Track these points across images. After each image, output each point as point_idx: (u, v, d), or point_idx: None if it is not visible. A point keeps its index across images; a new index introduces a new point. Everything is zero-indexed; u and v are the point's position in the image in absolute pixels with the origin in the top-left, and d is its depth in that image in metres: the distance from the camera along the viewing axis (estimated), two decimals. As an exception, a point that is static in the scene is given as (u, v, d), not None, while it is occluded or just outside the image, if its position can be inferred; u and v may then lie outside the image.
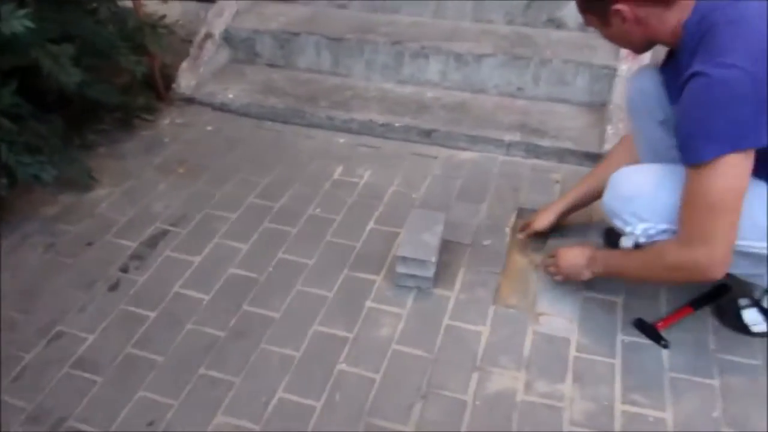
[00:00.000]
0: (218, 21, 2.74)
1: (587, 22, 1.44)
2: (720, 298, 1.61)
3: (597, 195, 1.71)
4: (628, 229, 1.44)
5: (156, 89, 2.58)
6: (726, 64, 1.17)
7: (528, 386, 1.47)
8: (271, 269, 1.79)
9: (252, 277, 1.76)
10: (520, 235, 1.86)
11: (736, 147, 1.19)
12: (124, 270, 1.80)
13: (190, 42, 2.71)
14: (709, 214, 1.25)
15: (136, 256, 1.85)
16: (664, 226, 1.38)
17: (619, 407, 1.41)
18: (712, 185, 1.23)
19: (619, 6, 1.31)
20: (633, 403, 1.42)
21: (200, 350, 1.56)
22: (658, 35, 1.35)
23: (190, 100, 2.58)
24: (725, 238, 1.27)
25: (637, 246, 1.54)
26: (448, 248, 1.77)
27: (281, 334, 1.60)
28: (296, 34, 2.66)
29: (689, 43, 1.28)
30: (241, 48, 2.76)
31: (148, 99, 2.51)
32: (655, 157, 1.57)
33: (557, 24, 2.58)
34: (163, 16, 2.48)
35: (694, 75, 1.21)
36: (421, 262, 1.66)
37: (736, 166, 1.21)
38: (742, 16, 1.21)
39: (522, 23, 2.63)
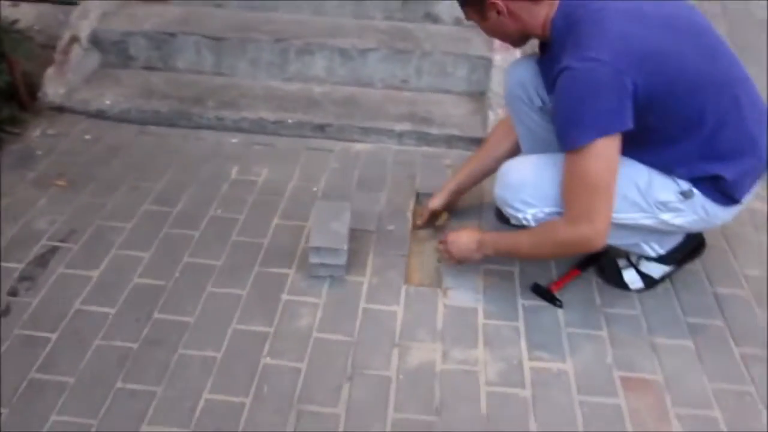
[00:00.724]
0: (83, 23, 2.59)
1: (467, 16, 1.56)
2: (601, 260, 1.80)
3: (481, 174, 1.89)
4: (519, 215, 1.58)
5: (20, 99, 2.40)
6: (589, 58, 1.33)
7: (445, 356, 1.56)
8: (177, 275, 1.75)
9: (159, 285, 1.72)
10: (419, 221, 1.95)
11: (605, 132, 1.35)
12: (14, 294, 1.68)
13: (53, 48, 2.54)
14: (589, 193, 1.42)
15: (26, 278, 1.73)
16: (550, 209, 1.53)
17: (527, 364, 1.55)
18: (589, 167, 1.39)
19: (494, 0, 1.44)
20: (538, 359, 1.56)
21: (113, 365, 1.50)
22: (530, 29, 1.49)
23: (60, 109, 2.42)
24: (605, 212, 1.43)
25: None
26: (354, 236, 1.83)
27: (199, 338, 1.58)
28: (173, 35, 2.58)
29: (558, 38, 1.44)
30: (113, 51, 2.63)
31: (11, 110, 2.33)
32: (534, 142, 1.73)
33: (434, 19, 2.71)
34: (16, 21, 2.31)
35: (563, 69, 1.36)
36: (333, 251, 1.70)
37: (607, 148, 1.37)
38: (602, 14, 1.37)
39: (400, 19, 2.73)
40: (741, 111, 1.43)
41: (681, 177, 1.49)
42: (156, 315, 1.63)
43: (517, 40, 1.57)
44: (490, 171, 1.83)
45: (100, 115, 2.40)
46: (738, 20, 2.87)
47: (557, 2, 1.45)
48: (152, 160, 2.20)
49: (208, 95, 2.48)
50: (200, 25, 2.63)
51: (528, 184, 1.55)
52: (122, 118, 2.39)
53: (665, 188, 1.49)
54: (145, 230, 1.90)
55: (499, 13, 1.47)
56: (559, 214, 1.51)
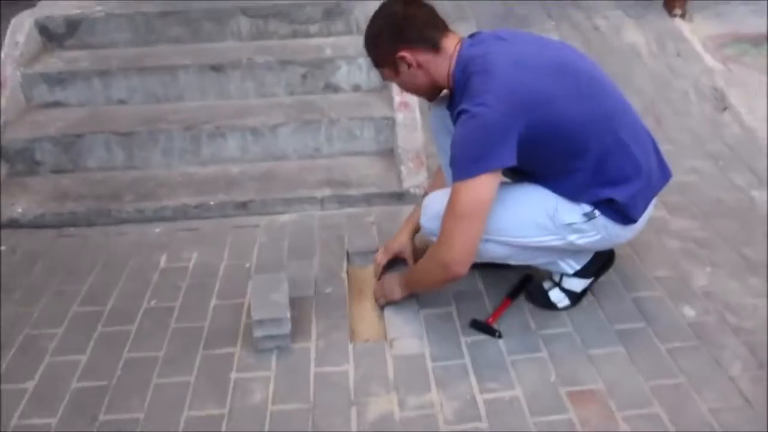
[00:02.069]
0: (-15, 136, 2.55)
1: (384, 76, 1.73)
2: (528, 286, 1.92)
3: None
4: None
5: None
6: (479, 103, 1.50)
7: (401, 404, 1.60)
8: (120, 372, 1.71)
9: (101, 386, 1.67)
10: (379, 262, 2.00)
11: (485, 168, 1.51)
12: (-56, 419, 1.59)
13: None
14: (455, 222, 1.56)
15: (-45, 401, 1.64)
16: None
17: (479, 397, 1.61)
18: (464, 198, 1.53)
19: (402, 53, 1.61)
20: (489, 390, 1.63)
21: (64, 476, 1.44)
22: (439, 79, 1.65)
23: (-30, 225, 2.34)
24: (464, 241, 1.56)
25: None
26: (294, 304, 1.85)
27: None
28: (80, 136, 2.58)
29: (458, 87, 1.61)
30: (19, 159, 2.58)
31: None
32: (444, 149, 1.84)
33: (334, 88, 2.85)
34: None
35: (459, 113, 1.54)
36: (277, 321, 1.72)
37: (486, 183, 1.52)
38: (492, 65, 1.54)
39: (302, 92, 2.85)
40: (624, 141, 1.62)
41: (582, 201, 1.65)
42: (102, 417, 1.58)
43: (430, 91, 1.74)
44: None
45: (13, 224, 2.34)
46: (601, 53, 3.19)
47: (456, 54, 1.62)
48: (75, 262, 2.16)
49: (124, 190, 2.47)
50: (107, 123, 2.65)
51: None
52: (37, 224, 2.34)
53: (570, 212, 1.65)
54: (78, 333, 1.85)
55: (409, 66, 1.63)
56: (483, 240, 1.63)
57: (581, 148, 1.59)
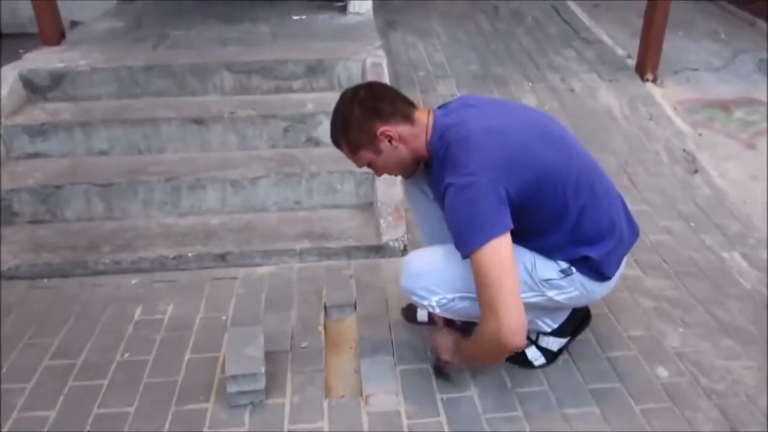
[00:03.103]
0: (-38, 187, 2.54)
1: (360, 161, 1.72)
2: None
3: None
4: (425, 303, 1.70)
5: None
6: (466, 173, 1.53)
7: (376, 464, 1.59)
8: (89, 428, 1.68)
9: (69, 443, 1.63)
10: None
11: (492, 234, 1.50)
12: None
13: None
14: (489, 290, 1.50)
15: None
16: (452, 295, 1.67)
17: (455, 456, 1.61)
18: (485, 265, 1.50)
19: (382, 128, 1.63)
20: (464, 449, 1.62)
21: None
22: (419, 150, 1.68)
23: (-59, 275, 2.31)
24: (507, 304, 1.48)
25: (430, 317, 1.92)
26: (270, 358, 1.84)
27: (119, 492, 1.50)
28: (59, 187, 2.58)
29: (436, 156, 1.64)
30: (-5, 209, 2.58)
31: None
32: (431, 228, 1.90)
33: (315, 142, 2.90)
34: None
35: (447, 187, 1.55)
36: (251, 376, 1.71)
37: (498, 247, 1.50)
38: (468, 134, 1.58)
39: (284, 146, 2.90)
40: (598, 200, 1.67)
41: (558, 259, 1.68)
42: (69, 476, 1.54)
43: (411, 165, 1.74)
44: None
45: (-15, 275, 2.31)
46: (577, 115, 3.31)
47: (431, 124, 1.66)
48: (48, 314, 2.13)
49: (101, 241, 2.46)
50: (87, 174, 2.65)
51: (430, 272, 1.69)
52: (11, 276, 2.31)
53: (547, 268, 1.68)
54: (47, 387, 1.81)
55: (391, 141, 1.64)
56: (462, 298, 1.64)
57: (561, 208, 1.62)
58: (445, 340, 1.80)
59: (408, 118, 1.65)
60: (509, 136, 1.60)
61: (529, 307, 1.71)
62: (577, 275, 1.68)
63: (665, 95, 3.52)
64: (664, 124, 3.26)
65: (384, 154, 1.68)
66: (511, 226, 1.53)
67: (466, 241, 1.52)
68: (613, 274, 1.73)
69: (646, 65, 3.60)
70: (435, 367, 1.85)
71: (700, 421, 1.68)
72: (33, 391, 1.80)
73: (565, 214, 1.63)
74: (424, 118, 1.67)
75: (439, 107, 1.74)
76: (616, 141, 3.12)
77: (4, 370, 1.88)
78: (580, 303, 1.80)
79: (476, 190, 1.52)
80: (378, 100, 1.66)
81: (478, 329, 1.57)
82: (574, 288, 1.70)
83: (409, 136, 1.66)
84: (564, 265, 1.67)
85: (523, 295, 1.64)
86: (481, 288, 1.52)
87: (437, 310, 1.71)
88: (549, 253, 1.68)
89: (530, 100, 3.42)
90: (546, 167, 1.59)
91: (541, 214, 1.63)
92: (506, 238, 1.51)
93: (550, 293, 1.69)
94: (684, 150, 3.06)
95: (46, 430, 1.67)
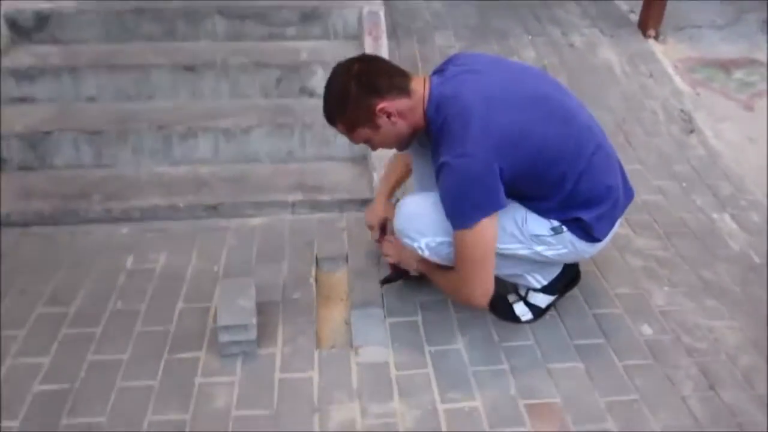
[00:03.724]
0: (-50, 131, 2.50)
1: (357, 138, 1.70)
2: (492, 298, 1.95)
3: (402, 177, 2.08)
4: (414, 244, 1.73)
5: None
6: (461, 154, 1.53)
7: (364, 412, 1.62)
8: (83, 375, 1.70)
9: (64, 389, 1.66)
10: (374, 227, 2.05)
11: (484, 215, 1.56)
12: None
13: None
14: (468, 266, 1.64)
15: None
16: (441, 239, 1.69)
17: (440, 407, 1.64)
18: (470, 245, 1.60)
19: (382, 104, 1.59)
20: (450, 400, 1.66)
21: (22, 480, 1.43)
22: (416, 124, 1.65)
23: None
24: (483, 281, 1.65)
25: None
26: (261, 309, 1.86)
27: (113, 436, 1.54)
28: (48, 133, 2.54)
29: (434, 128, 1.63)
30: (-16, 155, 2.54)
31: None
32: (424, 171, 1.87)
33: (309, 93, 2.85)
34: None
35: (442, 165, 1.56)
36: (243, 327, 1.73)
37: (487, 226, 1.58)
38: (466, 110, 1.56)
39: (277, 96, 2.85)
40: (597, 165, 1.66)
41: (551, 218, 1.69)
42: (64, 421, 1.58)
43: (407, 138, 1.72)
44: (407, 175, 2.06)
45: (-24, 222, 2.30)
46: (576, 70, 3.27)
47: (427, 93, 1.62)
48: (39, 262, 2.13)
49: (92, 189, 2.44)
50: (76, 121, 2.61)
51: (422, 215, 1.72)
52: (2, 223, 2.30)
53: (538, 224, 1.69)
54: (41, 334, 1.83)
55: (389, 115, 1.61)
56: (450, 244, 1.67)
57: (558, 179, 1.63)
58: (413, 255, 1.84)
59: (405, 92, 1.62)
60: (507, 106, 1.58)
61: (518, 260, 1.74)
62: (567, 234, 1.69)
63: (666, 53, 3.48)
64: (664, 83, 3.22)
65: (382, 130, 1.65)
66: (504, 205, 1.58)
67: (456, 219, 1.60)
68: (605, 237, 1.75)
69: (649, 21, 3.54)
70: (390, 277, 1.98)
71: (680, 378, 1.72)
72: (27, 337, 1.82)
73: (562, 183, 1.64)
74: (420, 88, 1.63)
75: (435, 72, 1.69)
76: (615, 98, 3.09)
77: (-3, 316, 1.90)
78: (567, 260, 1.82)
79: (470, 171, 1.53)
80: (374, 75, 1.61)
81: (452, 280, 1.72)
82: (563, 246, 1.71)
83: (407, 110, 1.63)
84: (556, 223, 1.69)
85: (510, 246, 1.69)
86: (461, 261, 1.64)
87: (426, 253, 1.74)
88: (543, 213, 1.69)
89: (529, 54, 3.37)
90: (546, 143, 1.59)
91: (537, 184, 1.64)
92: (495, 218, 1.59)
93: (538, 248, 1.71)
94: (681, 110, 3.04)
95: (41, 376, 1.70)
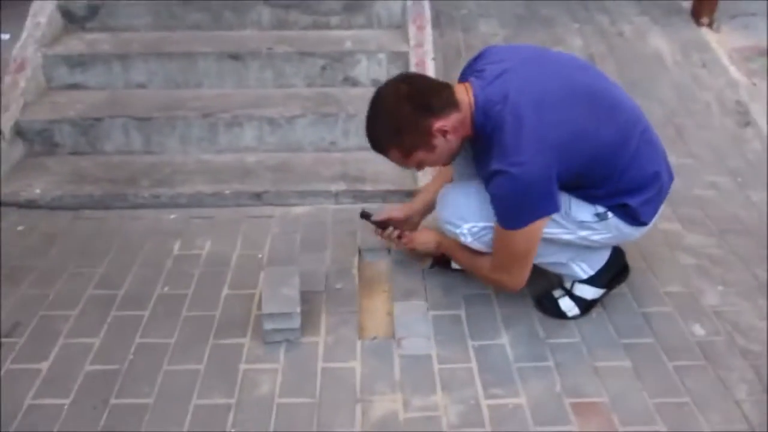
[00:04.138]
0: (5, 116, 2.57)
1: (411, 163, 1.66)
2: (537, 295, 1.92)
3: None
4: (457, 230, 1.73)
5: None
6: (516, 163, 1.50)
7: (406, 404, 1.62)
8: (131, 357, 1.74)
9: (113, 369, 1.70)
10: (383, 235, 1.99)
11: (537, 218, 1.58)
12: (-40, 396, 1.62)
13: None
14: (510, 259, 1.67)
15: (-30, 379, 1.67)
16: (483, 224, 1.69)
17: (484, 402, 1.62)
18: (518, 243, 1.63)
19: (438, 124, 1.55)
20: (493, 396, 1.64)
21: (74, 458, 1.47)
22: (465, 134, 1.62)
23: (-12, 203, 2.37)
24: (520, 273, 1.69)
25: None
26: (304, 298, 1.86)
27: (160, 418, 1.57)
28: (99, 119, 2.59)
29: (482, 134, 1.60)
30: (38, 140, 2.61)
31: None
32: (462, 176, 1.88)
33: (353, 82, 2.85)
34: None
35: (495, 173, 1.53)
36: (287, 315, 1.74)
37: (537, 228, 1.59)
38: (514, 116, 1.53)
39: (321, 85, 2.85)
40: (642, 154, 1.64)
41: (597, 204, 1.67)
42: (113, 401, 1.61)
43: (456, 153, 1.68)
44: None
45: (31, 204, 2.36)
46: (624, 59, 3.17)
47: (472, 101, 1.58)
48: (91, 245, 2.18)
49: (141, 175, 2.49)
50: (126, 108, 2.66)
51: (463, 202, 1.72)
52: (55, 206, 2.37)
53: (583, 210, 1.68)
54: (92, 316, 1.88)
55: (445, 134, 1.58)
56: (491, 229, 1.67)
57: (608, 171, 1.62)
58: (429, 238, 1.92)
59: (455, 105, 1.57)
60: (558, 110, 1.55)
61: (562, 247, 1.73)
62: (612, 219, 1.67)
63: (720, 41, 3.34)
64: (717, 73, 3.11)
65: (438, 150, 1.61)
66: (558, 210, 1.59)
67: (510, 220, 1.60)
68: (651, 220, 1.72)
69: (703, 9, 3.41)
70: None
71: (734, 381, 1.67)
72: (78, 318, 1.87)
73: (611, 175, 1.62)
74: (464, 96, 1.60)
75: (474, 76, 1.65)
76: (665, 89, 3.00)
77: (51, 297, 1.95)
78: (613, 243, 1.80)
79: (525, 181, 1.51)
80: (425, 93, 1.57)
81: (487, 268, 1.74)
82: (607, 231, 1.70)
83: (459, 124, 1.59)
84: (601, 209, 1.67)
85: (554, 231, 1.68)
86: (502, 251, 1.67)
87: (468, 239, 1.73)
88: (588, 199, 1.67)
89: (576, 43, 3.29)
90: (599, 141, 1.58)
91: (589, 178, 1.63)
92: (546, 219, 1.60)
93: (583, 233, 1.70)
94: (737, 101, 2.92)
95: (91, 356, 1.74)
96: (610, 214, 1.66)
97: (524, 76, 1.59)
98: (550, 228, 1.65)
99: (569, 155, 1.54)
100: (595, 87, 1.65)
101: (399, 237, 1.96)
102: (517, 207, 1.56)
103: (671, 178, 1.76)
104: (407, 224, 1.99)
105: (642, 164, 1.64)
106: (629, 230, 1.71)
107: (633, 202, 1.64)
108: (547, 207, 1.57)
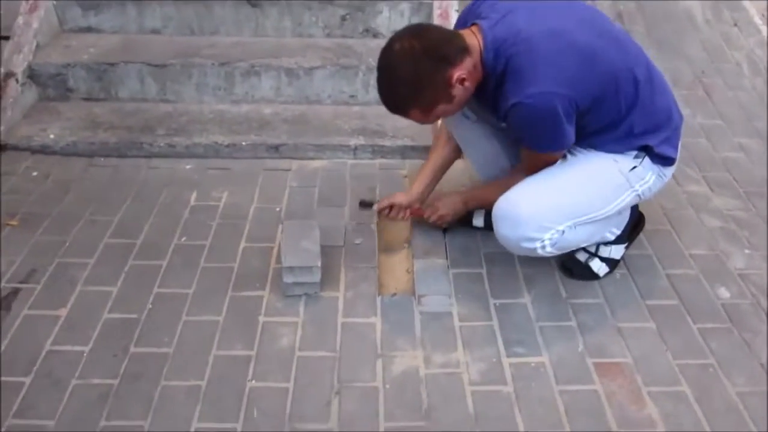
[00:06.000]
0: (18, 58, 2.51)
1: (433, 118, 1.61)
2: (565, 262, 1.88)
3: (440, 172, 1.96)
4: (537, 244, 1.63)
5: (-45, 140, 2.30)
6: (532, 94, 1.46)
7: (427, 361, 1.61)
8: (150, 306, 1.73)
9: (132, 318, 1.69)
10: (389, 215, 1.94)
11: (558, 149, 1.62)
12: (-23, 340, 1.62)
13: (-13, 85, 2.45)
14: (538, 168, 1.67)
15: (-12, 323, 1.66)
16: (563, 226, 1.62)
17: (505, 361, 1.61)
18: (542, 162, 1.66)
19: (457, 73, 1.50)
20: (516, 355, 1.63)
21: (94, 403, 1.47)
22: (478, 78, 1.56)
23: (2, 147, 2.34)
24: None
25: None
26: (324, 252, 1.83)
27: (180, 367, 1.56)
28: (113, 64, 2.53)
29: (492, 75, 1.54)
30: (51, 85, 2.56)
31: (-53, 151, 2.24)
32: (478, 155, 1.90)
33: (373, 33, 2.77)
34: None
35: (514, 105, 1.48)
36: (307, 269, 1.72)
37: (557, 155, 1.65)
38: (528, 46, 1.48)
39: (340, 35, 2.77)
40: (655, 90, 1.63)
41: (625, 151, 1.66)
42: (133, 349, 1.61)
43: (469, 99, 1.62)
44: (445, 167, 1.97)
45: (45, 150, 2.33)
46: (654, 17, 3.07)
47: (481, 42, 1.52)
48: (107, 193, 2.15)
49: (156, 123, 2.44)
50: (140, 53, 2.59)
51: (534, 212, 1.61)
52: (69, 152, 2.33)
53: (625, 159, 1.66)
54: (109, 264, 1.86)
55: (463, 81, 1.52)
56: (573, 226, 1.65)
57: (627, 103, 1.59)
58: (454, 202, 1.89)
59: (467, 51, 1.51)
60: (573, 39, 1.50)
61: (606, 222, 1.72)
62: (647, 160, 1.66)
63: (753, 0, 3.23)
64: (749, 32, 3.00)
65: (456, 99, 1.56)
66: (573, 142, 1.58)
67: (533, 145, 1.62)
68: (676, 155, 1.72)
69: (736, -35, 3.28)
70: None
71: (759, 344, 1.64)
72: (95, 266, 1.85)
73: (629, 110, 1.60)
74: (473, 40, 1.53)
75: (480, 18, 1.57)
76: (694, 48, 2.90)
77: (67, 244, 1.93)
78: (654, 192, 1.75)
79: (544, 111, 1.48)
80: (439, 45, 1.49)
81: (520, 177, 1.68)
82: (651, 173, 1.68)
83: (473, 69, 1.53)
84: (633, 152, 1.66)
85: (622, 197, 1.68)
86: (531, 166, 1.68)
87: (549, 249, 1.65)
88: (615, 149, 1.65)
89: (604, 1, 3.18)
90: (612, 66, 1.54)
91: (606, 112, 1.59)
92: (562, 151, 1.64)
93: (639, 186, 1.68)
94: (768, 62, 2.84)
95: (110, 304, 1.73)
96: (642, 153, 1.65)
97: (532, 12, 1.54)
98: (619, 196, 1.66)
99: (584, 78, 1.50)
100: (596, 19, 1.63)
101: (405, 217, 1.95)
102: (536, 136, 1.57)
103: (681, 118, 1.74)
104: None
105: (656, 102, 1.63)
106: (664, 170, 1.70)
107: (653, 141, 1.63)
108: (567, 137, 1.56)
